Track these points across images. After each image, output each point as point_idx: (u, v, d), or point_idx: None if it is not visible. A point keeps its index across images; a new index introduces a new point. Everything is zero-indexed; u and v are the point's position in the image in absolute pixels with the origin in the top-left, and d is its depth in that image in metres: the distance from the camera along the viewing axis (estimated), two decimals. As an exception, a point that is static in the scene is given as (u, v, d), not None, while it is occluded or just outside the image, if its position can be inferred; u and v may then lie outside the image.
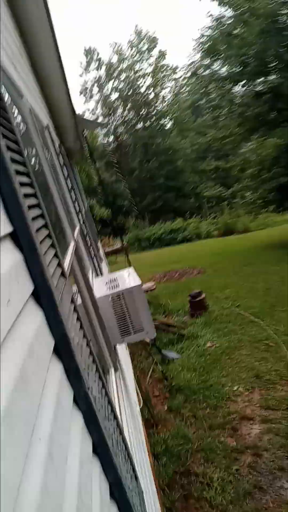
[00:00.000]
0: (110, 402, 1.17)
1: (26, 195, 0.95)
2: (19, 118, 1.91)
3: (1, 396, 0.46)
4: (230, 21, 11.38)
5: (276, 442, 3.62)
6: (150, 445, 3.91)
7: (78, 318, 1.11)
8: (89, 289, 2.34)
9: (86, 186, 19.67)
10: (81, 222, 4.15)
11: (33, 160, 1.97)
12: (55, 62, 3.27)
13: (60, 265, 1.10)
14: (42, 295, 0.82)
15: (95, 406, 0.91)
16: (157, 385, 5.11)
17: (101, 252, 9.55)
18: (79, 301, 2.28)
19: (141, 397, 4.12)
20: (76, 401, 0.84)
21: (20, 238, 0.81)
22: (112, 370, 2.22)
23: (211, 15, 11.75)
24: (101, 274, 4.75)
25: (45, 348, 0.74)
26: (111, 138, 33.86)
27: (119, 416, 1.41)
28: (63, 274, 1.10)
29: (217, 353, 5.44)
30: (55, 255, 1.09)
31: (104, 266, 7.79)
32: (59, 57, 3.33)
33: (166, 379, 5.08)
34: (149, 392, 4.79)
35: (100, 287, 2.69)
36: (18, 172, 0.93)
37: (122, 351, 3.95)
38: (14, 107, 1.81)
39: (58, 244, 1.26)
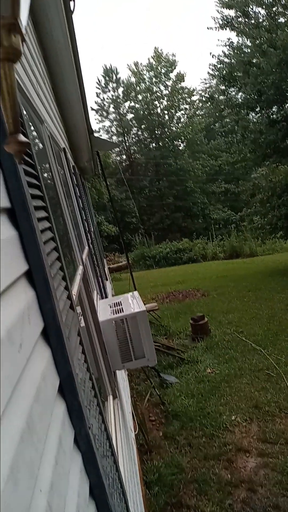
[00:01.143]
0: (108, 438, 1.17)
1: (43, 230, 0.98)
2: (38, 142, 1.96)
3: (7, 451, 0.47)
4: (248, 50, 11.68)
5: (272, 478, 3.53)
6: (142, 471, 3.84)
7: (83, 352, 1.12)
8: (93, 312, 2.35)
9: (96, 202, 19.85)
10: (90, 242, 4.19)
11: (47, 181, 2.02)
12: (76, 87, 3.36)
13: (69, 297, 1.11)
14: (51, 333, 0.83)
15: (95, 445, 0.91)
16: (153, 410, 5.04)
17: (106, 269, 9.57)
18: (82, 323, 2.29)
19: (137, 422, 4.06)
20: (76, 441, 0.84)
21: (34, 275, 0.82)
22: (110, 398, 2.20)
23: (231, 43, 12.06)
24: (105, 293, 4.75)
25: (50, 389, 0.75)
26: (124, 156, 34.33)
27: (115, 450, 1.40)
28: (71, 306, 1.11)
29: (216, 380, 5.37)
30: (65, 287, 1.10)
31: (108, 284, 7.80)
32: (81, 82, 3.42)
33: (163, 403, 5.01)
34: (145, 416, 4.72)
35: (104, 310, 2.69)
36: (37, 208, 0.96)
37: (121, 372, 3.92)
38: (34, 132, 1.86)
39: (67, 272, 1.28)
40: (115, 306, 2.74)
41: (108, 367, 2.33)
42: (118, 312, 2.58)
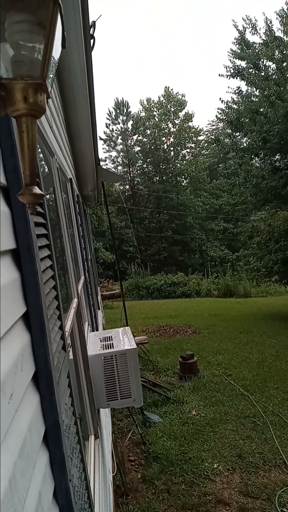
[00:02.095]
0: (87, 487, 1.12)
1: (45, 269, 0.98)
2: (47, 171, 2.00)
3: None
4: (256, 99, 12.18)
5: (251, 537, 3.37)
6: (117, 516, 3.66)
7: (70, 394, 1.10)
8: (83, 345, 2.31)
9: (95, 227, 20.01)
10: (86, 270, 4.19)
11: (52, 214, 2.03)
12: (88, 119, 3.47)
13: (62, 337, 1.10)
14: (42, 378, 0.82)
15: (73, 498, 0.87)
16: (134, 449, 4.86)
17: (99, 297, 9.50)
18: (70, 355, 2.24)
19: (115, 462, 3.91)
20: (55, 494, 0.81)
21: (31, 318, 0.82)
22: (92, 438, 2.12)
23: (240, 91, 12.59)
24: (97, 323, 4.69)
25: (36, 439, 0.72)
26: (128, 186, 34.98)
27: (92, 497, 1.34)
28: (63, 347, 1.09)
29: (201, 424, 5.22)
30: (60, 327, 1.09)
31: (100, 313, 7.72)
32: (93, 115, 3.53)
33: (144, 443, 4.84)
34: (124, 456, 4.55)
35: (94, 344, 2.65)
36: (41, 247, 0.96)
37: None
38: (44, 164, 1.90)
39: (62, 307, 1.26)
40: (105, 341, 2.69)
41: (93, 404, 2.26)
42: (108, 348, 2.53)
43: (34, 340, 0.81)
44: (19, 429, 0.63)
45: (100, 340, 2.73)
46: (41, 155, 1.76)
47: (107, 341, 2.68)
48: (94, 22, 3.17)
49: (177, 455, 4.56)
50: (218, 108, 13.67)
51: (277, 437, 4.74)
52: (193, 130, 35.16)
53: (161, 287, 21.66)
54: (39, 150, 1.66)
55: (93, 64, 3.14)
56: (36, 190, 0.60)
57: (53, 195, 1.98)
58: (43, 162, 1.88)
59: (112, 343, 2.61)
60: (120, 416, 5.67)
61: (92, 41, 3.03)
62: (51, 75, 0.64)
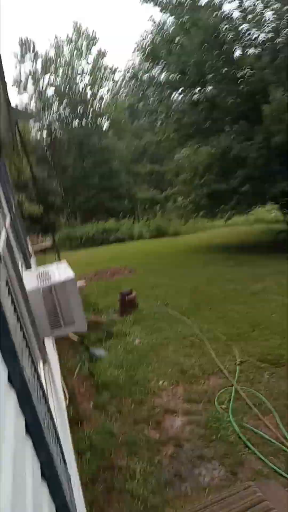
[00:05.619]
0: (41, 387, 1.16)
1: None
2: None
3: None
4: (172, 28, 11.75)
5: (196, 433, 3.79)
6: (74, 442, 3.88)
7: (13, 301, 1.09)
8: (19, 280, 2.27)
9: (16, 180, 18.85)
10: (12, 211, 4.00)
11: None
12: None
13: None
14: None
15: (29, 385, 0.91)
16: (83, 383, 5.07)
17: (30, 248, 9.23)
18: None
19: (67, 396, 4.06)
20: (10, 379, 0.83)
21: None
22: (40, 362, 2.17)
23: (153, 20, 12.03)
24: (31, 268, 4.60)
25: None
26: (45, 133, 32.88)
27: (48, 401, 1.40)
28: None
29: (144, 350, 5.56)
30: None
31: (33, 263, 7.54)
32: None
33: (93, 376, 5.07)
34: (75, 390, 4.74)
35: (31, 280, 2.61)
36: None
37: (50, 349, 3.86)
38: None
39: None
40: (42, 276, 2.67)
41: (37, 334, 2.28)
42: (46, 281, 2.52)
43: None
44: None
45: (37, 276, 2.70)
46: None
47: (44, 275, 2.66)
48: None
49: (125, 381, 4.85)
50: (134, 43, 13.04)
51: (213, 350, 5.24)
52: (110, 68, 33.39)
53: (93, 236, 21.58)
54: None
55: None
56: None
57: None
58: None
59: (50, 276, 2.60)
60: (67, 357, 5.81)
61: None
62: None
